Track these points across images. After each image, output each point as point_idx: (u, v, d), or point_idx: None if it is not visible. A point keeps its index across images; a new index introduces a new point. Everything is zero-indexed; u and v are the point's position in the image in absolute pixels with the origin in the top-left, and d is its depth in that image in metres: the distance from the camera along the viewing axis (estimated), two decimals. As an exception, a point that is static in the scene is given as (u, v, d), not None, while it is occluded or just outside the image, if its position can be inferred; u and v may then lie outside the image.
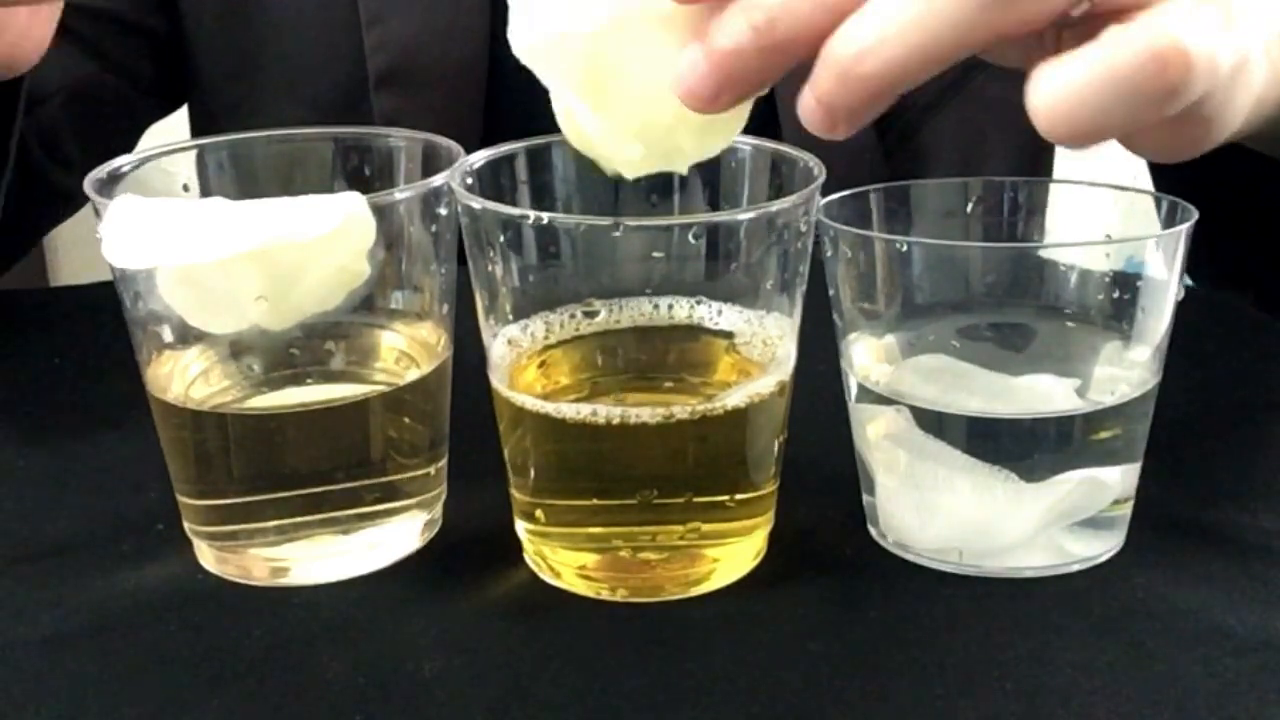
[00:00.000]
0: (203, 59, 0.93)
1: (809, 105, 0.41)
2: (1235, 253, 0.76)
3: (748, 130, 0.48)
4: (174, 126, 0.97)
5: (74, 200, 0.89)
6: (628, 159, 0.46)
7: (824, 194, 0.52)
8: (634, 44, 0.45)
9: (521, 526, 0.54)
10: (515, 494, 0.54)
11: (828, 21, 0.41)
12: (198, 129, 0.97)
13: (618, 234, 0.48)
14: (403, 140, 0.58)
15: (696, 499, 0.51)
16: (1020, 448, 0.51)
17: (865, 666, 0.48)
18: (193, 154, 0.57)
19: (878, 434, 0.53)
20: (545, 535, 0.53)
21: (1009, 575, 0.53)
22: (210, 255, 0.48)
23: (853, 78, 0.40)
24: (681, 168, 0.48)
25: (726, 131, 0.47)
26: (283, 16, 0.90)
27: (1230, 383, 0.68)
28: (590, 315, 0.53)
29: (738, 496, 0.52)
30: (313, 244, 0.48)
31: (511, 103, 0.85)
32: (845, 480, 0.57)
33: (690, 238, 0.51)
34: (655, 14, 0.44)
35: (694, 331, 0.54)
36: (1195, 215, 0.52)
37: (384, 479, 0.54)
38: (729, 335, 0.53)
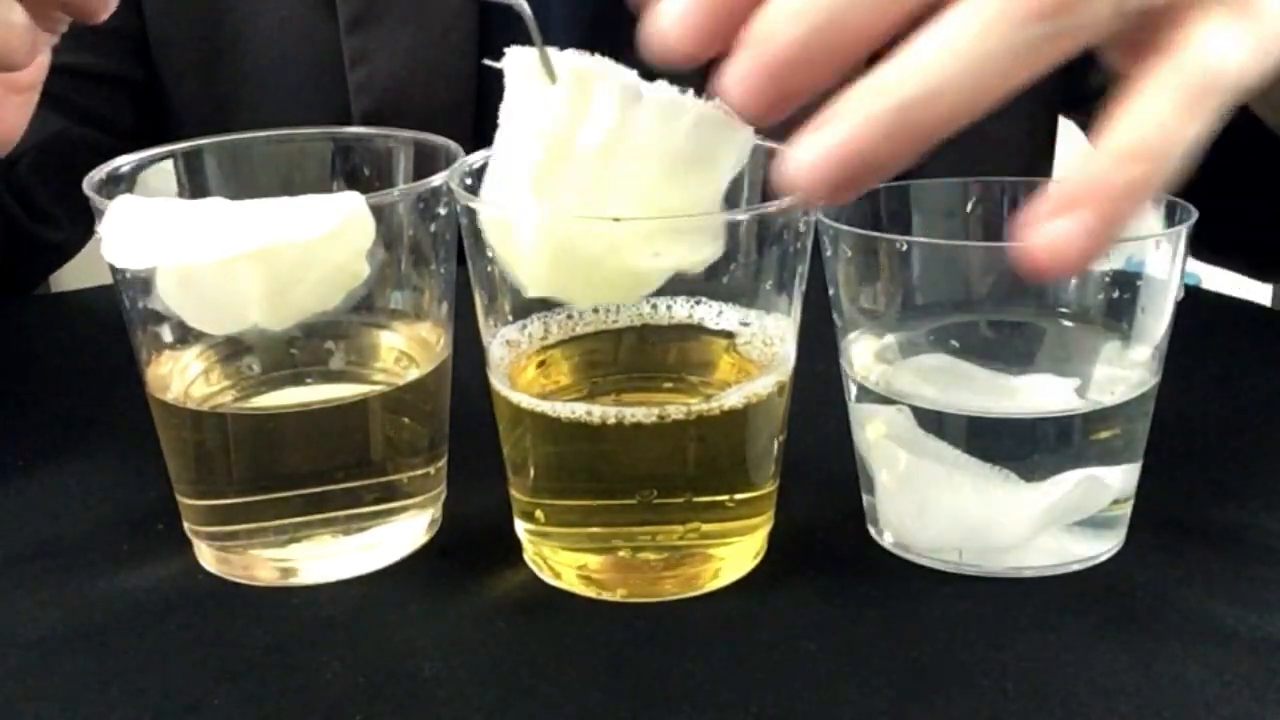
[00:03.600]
0: (179, 105, 0.92)
1: (809, 162, 0.38)
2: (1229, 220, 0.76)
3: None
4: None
5: (63, 251, 0.88)
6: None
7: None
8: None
9: (521, 526, 0.54)
10: (515, 494, 0.54)
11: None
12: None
13: (616, 234, 0.48)
14: (401, 140, 0.58)
15: (696, 499, 0.51)
16: (1020, 448, 0.51)
17: (865, 666, 0.48)
18: (192, 154, 0.57)
19: (878, 434, 0.53)
20: (545, 535, 0.53)
21: (1009, 575, 0.53)
22: (210, 255, 0.48)
23: (899, 125, 0.37)
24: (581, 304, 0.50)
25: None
26: (263, 58, 0.90)
27: (1230, 383, 0.68)
28: (589, 315, 0.53)
29: (737, 496, 0.52)
30: (312, 244, 0.48)
31: None
32: (845, 480, 0.57)
33: (690, 238, 0.51)
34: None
35: (694, 331, 0.54)
36: (1195, 215, 0.52)
37: (384, 479, 0.54)
38: (729, 335, 0.53)
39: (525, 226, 0.48)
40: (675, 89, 0.47)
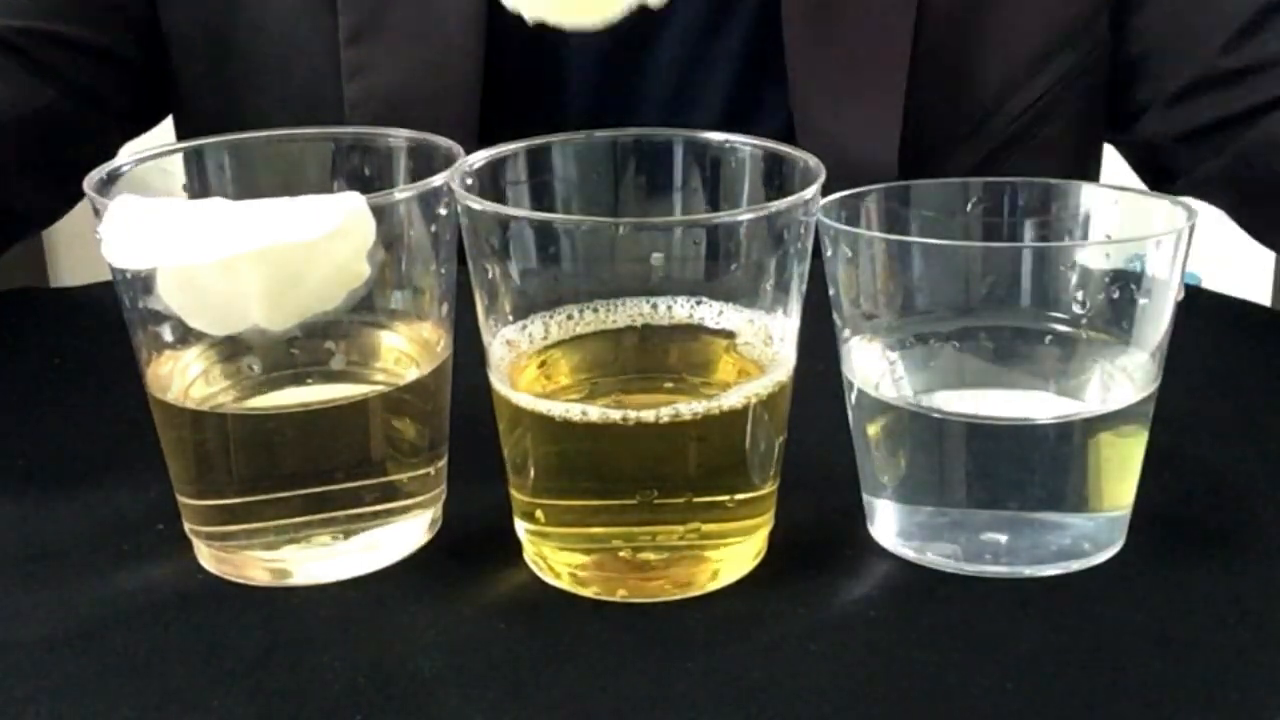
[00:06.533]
0: (187, 96, 0.91)
1: None
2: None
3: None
4: (164, 130, 0.97)
5: (28, 222, 0.87)
6: None
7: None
8: None
9: (521, 526, 0.54)
10: (515, 494, 0.54)
11: None
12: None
13: (617, 234, 0.48)
14: (402, 140, 0.58)
15: (696, 499, 0.51)
16: (1020, 449, 0.51)
17: (865, 667, 0.48)
18: (192, 154, 0.57)
19: (878, 434, 0.53)
20: (545, 535, 0.53)
21: (1009, 575, 0.53)
22: (210, 255, 0.48)
23: None
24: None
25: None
26: (267, 60, 0.89)
27: (1230, 383, 0.68)
28: (590, 315, 0.53)
29: (738, 497, 0.52)
30: (313, 244, 0.48)
31: None
32: (845, 480, 0.57)
33: (691, 239, 0.51)
34: None
35: (694, 331, 0.54)
36: (1196, 215, 0.52)
37: (384, 479, 0.54)
38: (729, 335, 0.53)
39: None
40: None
